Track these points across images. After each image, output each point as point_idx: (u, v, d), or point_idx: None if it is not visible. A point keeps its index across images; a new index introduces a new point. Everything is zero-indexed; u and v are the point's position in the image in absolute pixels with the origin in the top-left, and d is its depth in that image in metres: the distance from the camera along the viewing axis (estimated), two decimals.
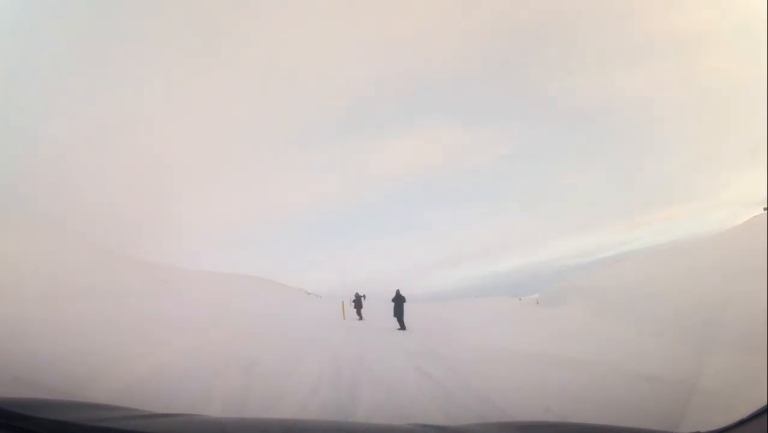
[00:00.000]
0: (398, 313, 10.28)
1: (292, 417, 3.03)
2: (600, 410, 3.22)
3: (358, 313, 14.14)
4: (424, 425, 1.93)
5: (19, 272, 8.18)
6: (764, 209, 12.18)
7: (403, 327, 9.73)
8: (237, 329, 7.30)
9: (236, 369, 4.25)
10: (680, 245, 12.56)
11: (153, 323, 6.69)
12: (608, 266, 13.91)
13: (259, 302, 17.66)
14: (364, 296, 15.49)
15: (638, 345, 5.37)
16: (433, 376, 4.32)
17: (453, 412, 3.21)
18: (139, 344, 4.62)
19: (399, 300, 10.50)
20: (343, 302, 15.37)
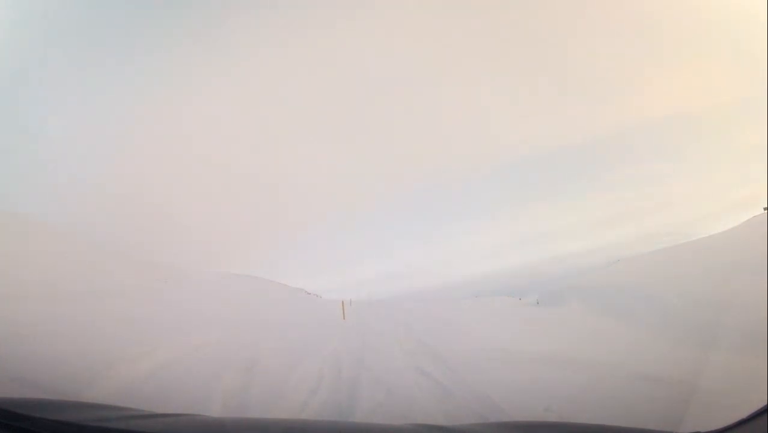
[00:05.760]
0: None
1: (292, 417, 3.03)
2: (600, 410, 3.21)
3: None
4: (424, 425, 1.93)
5: (19, 272, 8.18)
6: (764, 209, 12.19)
7: None
8: (237, 329, 7.30)
9: (236, 369, 4.25)
10: (681, 245, 12.56)
11: (153, 323, 6.70)
12: (608, 266, 13.92)
13: (259, 302, 17.66)
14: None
15: (638, 345, 5.37)
16: (433, 376, 4.31)
17: (453, 412, 3.21)
18: (139, 344, 4.62)
19: None
20: (342, 302, 15.37)
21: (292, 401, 3.46)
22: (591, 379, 4.07)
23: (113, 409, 1.87)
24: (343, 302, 15.38)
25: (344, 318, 12.44)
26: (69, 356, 3.77)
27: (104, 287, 10.30)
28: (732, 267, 6.25)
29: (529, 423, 2.14)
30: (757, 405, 1.46)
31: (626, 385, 3.77)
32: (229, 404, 3.27)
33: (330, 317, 12.60)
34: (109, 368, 3.63)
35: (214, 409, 3.12)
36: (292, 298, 27.62)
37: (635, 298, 7.35)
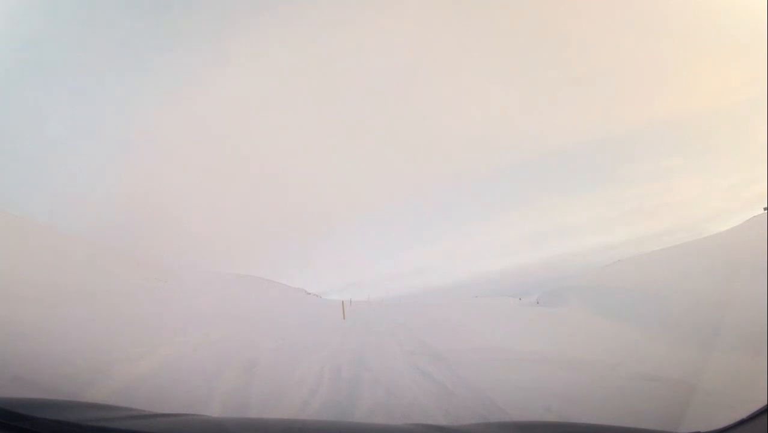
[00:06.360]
0: None
1: (292, 417, 3.03)
2: (600, 410, 3.21)
3: None
4: (424, 425, 1.93)
5: (18, 272, 8.18)
6: (764, 209, 12.19)
7: None
8: (237, 329, 7.29)
9: (236, 369, 4.25)
10: (680, 245, 12.55)
11: (153, 323, 6.69)
12: (608, 266, 13.91)
13: (260, 302, 17.66)
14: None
15: (638, 345, 5.37)
16: (433, 376, 4.31)
17: (453, 412, 3.21)
18: (139, 344, 4.62)
19: None
20: (342, 302, 15.38)
21: (292, 401, 3.46)
22: (591, 379, 4.07)
23: (113, 409, 1.87)
24: (343, 302, 15.39)
25: (344, 318, 12.44)
26: (69, 356, 3.77)
27: (104, 287, 10.30)
28: (732, 267, 6.24)
29: (529, 423, 2.14)
30: (757, 405, 1.46)
31: (626, 385, 3.77)
32: (229, 404, 3.27)
33: (330, 317, 12.60)
34: (109, 368, 3.63)
35: (214, 409, 3.12)
36: (293, 298, 27.62)
37: (635, 298, 7.36)
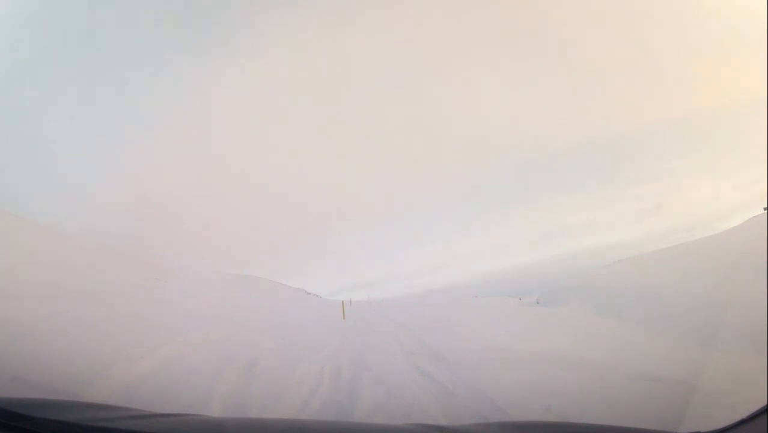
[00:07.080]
0: None
1: (292, 417, 3.03)
2: (600, 410, 3.21)
3: None
4: (424, 425, 1.93)
5: (18, 272, 8.19)
6: (764, 209, 12.20)
7: None
8: (237, 329, 7.30)
9: (236, 369, 4.25)
10: (680, 245, 12.55)
11: (153, 322, 6.70)
12: (608, 266, 13.91)
13: (259, 302, 17.67)
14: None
15: (638, 345, 5.37)
16: (433, 376, 4.31)
17: (453, 412, 3.21)
18: (139, 344, 4.62)
19: None
20: (342, 302, 15.38)
21: (292, 401, 3.46)
22: (591, 379, 4.06)
23: (113, 409, 1.87)
24: (343, 302, 15.40)
25: (344, 318, 12.44)
26: (69, 356, 3.77)
27: (104, 287, 10.31)
28: (732, 267, 6.24)
29: (529, 423, 2.13)
30: (757, 405, 1.46)
31: (626, 385, 3.77)
32: (229, 404, 3.27)
33: (330, 317, 12.61)
34: (109, 368, 3.63)
35: (214, 409, 3.12)
36: (292, 298, 27.64)
37: (635, 298, 7.36)
